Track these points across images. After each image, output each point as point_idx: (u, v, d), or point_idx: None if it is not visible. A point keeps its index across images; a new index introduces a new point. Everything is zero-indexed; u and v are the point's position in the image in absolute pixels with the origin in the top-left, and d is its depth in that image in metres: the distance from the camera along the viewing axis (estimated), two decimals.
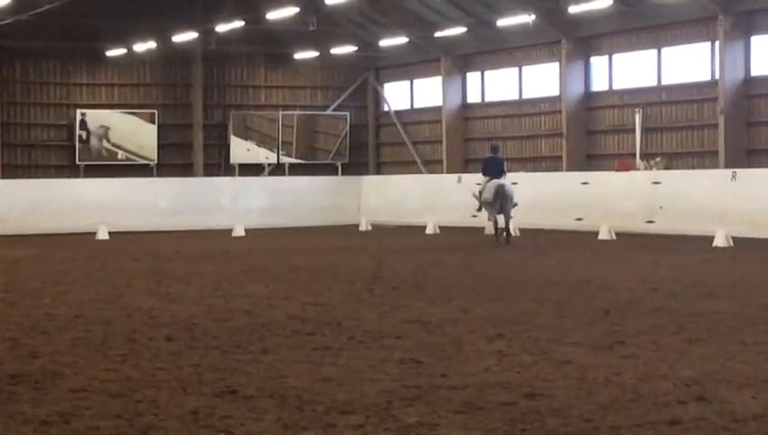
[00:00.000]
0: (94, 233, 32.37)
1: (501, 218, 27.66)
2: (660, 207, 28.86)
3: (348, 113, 48.81)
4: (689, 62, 36.51)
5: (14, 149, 44.26)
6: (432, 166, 45.86)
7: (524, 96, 42.70)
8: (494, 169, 28.14)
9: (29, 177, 42.27)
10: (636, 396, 8.34)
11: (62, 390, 8.83)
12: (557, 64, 40.40)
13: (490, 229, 29.14)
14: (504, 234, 27.44)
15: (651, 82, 37.70)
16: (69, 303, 15.12)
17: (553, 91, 40.88)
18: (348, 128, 48.51)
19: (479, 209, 28.35)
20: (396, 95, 49.08)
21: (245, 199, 36.92)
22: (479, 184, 28.36)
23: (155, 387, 8.89)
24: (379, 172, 48.05)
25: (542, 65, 41.59)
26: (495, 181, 27.61)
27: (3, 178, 40.98)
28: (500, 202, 27.36)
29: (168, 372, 9.53)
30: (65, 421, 7.71)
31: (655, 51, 37.42)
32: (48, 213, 34.98)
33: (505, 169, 28.72)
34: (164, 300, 15.33)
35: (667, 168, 34.99)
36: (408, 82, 48.40)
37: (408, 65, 47.29)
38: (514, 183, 29.09)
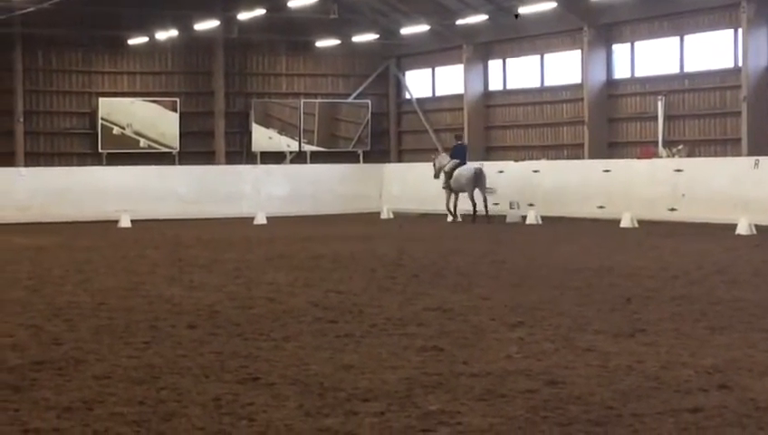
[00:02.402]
0: (116, 221, 32.48)
1: (479, 199, 31.49)
2: (682, 195, 28.78)
3: (369, 101, 48.76)
4: (712, 49, 36.33)
5: (37, 138, 44.37)
6: None
7: (546, 84, 42.57)
8: (462, 154, 32.97)
9: (52, 165, 42.40)
10: (657, 384, 8.34)
11: (85, 376, 8.88)
12: (579, 52, 40.27)
13: (511, 217, 29.26)
14: (485, 213, 31.16)
15: (674, 69, 37.54)
16: (92, 290, 15.17)
17: (575, 78, 40.75)
18: (369, 116, 48.47)
19: (436, 177, 32.86)
20: (417, 83, 49.00)
21: (267, 187, 36.97)
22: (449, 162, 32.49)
23: (177, 374, 8.92)
24: (400, 160, 47.99)
25: (564, 53, 41.46)
26: (471, 166, 32.16)
27: (26, 166, 41.10)
28: (479, 184, 31.47)
29: (191, 360, 9.56)
30: (88, 408, 7.75)
31: (677, 38, 37.24)
32: (70, 201, 35.10)
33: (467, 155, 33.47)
34: (186, 287, 15.37)
35: (689, 155, 34.86)
36: (429, 70, 48.31)
37: (430, 53, 47.20)
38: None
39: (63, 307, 13.26)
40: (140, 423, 7.29)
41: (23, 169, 39.09)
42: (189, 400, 7.97)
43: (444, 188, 32.78)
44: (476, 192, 31.72)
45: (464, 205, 32.36)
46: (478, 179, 31.60)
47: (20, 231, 29.52)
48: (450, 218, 32.56)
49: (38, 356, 9.84)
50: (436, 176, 33.15)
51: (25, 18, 41.49)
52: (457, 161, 32.58)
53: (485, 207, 31.54)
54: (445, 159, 33.42)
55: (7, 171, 38.14)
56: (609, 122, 39.77)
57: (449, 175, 32.30)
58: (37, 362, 9.50)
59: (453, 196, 32.63)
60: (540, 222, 30.90)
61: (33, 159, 43.29)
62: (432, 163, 33.95)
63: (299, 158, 46.83)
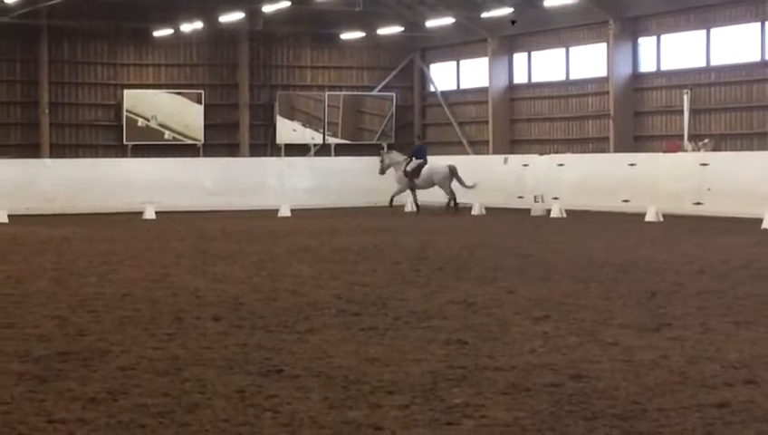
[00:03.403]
0: (141, 212, 32.55)
1: (449, 193, 33.26)
2: (708, 189, 28.67)
3: (394, 94, 48.76)
4: (738, 42, 36.18)
5: (63, 129, 44.54)
6: (478, 146, 45.76)
7: (571, 77, 42.49)
8: (423, 154, 34.68)
9: (77, 156, 42.55)
10: (683, 378, 8.30)
11: (109, 367, 8.89)
12: (604, 45, 40.17)
13: (536, 210, 29.21)
14: (453, 205, 33.03)
15: (700, 62, 37.41)
16: (116, 281, 15.21)
17: (601, 72, 40.66)
18: (394, 108, 48.47)
19: (382, 172, 34.66)
20: (442, 76, 48.97)
21: (291, 180, 36.99)
22: (409, 160, 34.22)
23: (202, 366, 8.93)
24: None
25: (590, 46, 41.37)
26: (442, 163, 34.22)
27: (51, 157, 41.24)
28: (452, 180, 33.23)
29: (215, 351, 9.57)
30: (113, 399, 7.76)
31: (704, 31, 37.12)
32: (95, 192, 35.21)
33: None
34: (210, 279, 15.39)
35: (715, 149, 34.74)
36: (454, 63, 48.27)
37: (455, 46, 47.16)
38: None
39: (88, 298, 13.28)
40: (165, 415, 7.30)
41: (48, 161, 39.26)
42: (213, 391, 7.97)
43: (399, 184, 34.32)
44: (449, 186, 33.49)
45: (390, 198, 34.17)
46: (453, 175, 33.39)
47: (45, 222, 29.63)
48: (409, 208, 34.69)
49: (63, 347, 9.87)
50: (383, 172, 34.71)
51: (52, 10, 41.66)
52: (421, 161, 34.17)
53: (455, 200, 33.24)
54: (398, 157, 34.85)
55: (33, 162, 38.33)
56: (634, 116, 39.67)
57: (415, 174, 33.94)
58: (62, 353, 9.52)
59: (412, 192, 34.40)
60: (564, 216, 30.82)
61: (59, 150, 43.47)
62: (380, 160, 35.15)
63: (323, 150, 46.86)
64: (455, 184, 33.43)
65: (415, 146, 36.48)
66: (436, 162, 34.79)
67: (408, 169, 34.11)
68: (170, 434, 6.85)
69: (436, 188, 34.01)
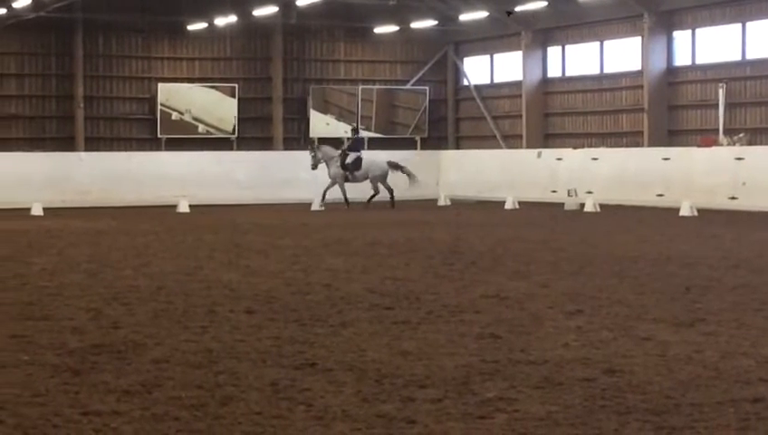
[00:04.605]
0: (175, 206, 32.67)
1: (410, 182, 34.51)
2: (743, 184, 28.54)
3: (427, 88, 48.67)
4: None
5: (97, 122, 44.69)
6: (512, 141, 45.63)
7: (605, 71, 42.30)
8: (359, 147, 35.66)
9: (111, 149, 42.71)
10: (717, 374, 8.26)
11: (144, 360, 8.93)
12: (639, 39, 39.96)
13: (569, 204, 29.14)
14: (390, 199, 34.01)
15: (735, 56, 37.16)
16: (150, 274, 15.27)
17: (635, 65, 40.45)
18: (427, 102, 48.39)
19: (314, 168, 34.70)
20: (476, 70, 48.84)
21: (325, 173, 37.00)
22: (344, 154, 34.82)
23: (235, 359, 8.96)
24: (458, 147, 47.89)
25: (624, 39, 41.16)
26: (381, 159, 34.98)
27: (85, 150, 41.43)
28: (402, 172, 34.32)
29: (248, 344, 9.60)
30: (147, 391, 7.80)
31: (739, 25, 36.86)
32: (129, 186, 35.38)
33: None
34: (243, 273, 15.43)
35: (750, 144, 34.51)
36: (487, 57, 48.12)
37: (488, 39, 47.03)
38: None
39: (122, 291, 13.35)
40: (198, 407, 7.33)
41: (83, 154, 39.46)
42: (247, 384, 7.99)
43: (333, 178, 34.54)
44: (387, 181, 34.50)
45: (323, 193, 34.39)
46: (394, 170, 34.52)
47: (80, 215, 29.79)
48: (316, 207, 34.26)
49: (98, 340, 9.92)
50: (314, 167, 34.83)
51: (86, 4, 41.82)
52: (358, 154, 34.92)
53: (392, 195, 34.31)
54: (331, 151, 35.07)
55: (67, 156, 38.55)
56: (669, 110, 39.45)
57: (356, 167, 34.50)
58: (97, 346, 9.57)
59: (338, 183, 34.70)
60: (598, 210, 30.74)
61: (93, 143, 43.61)
62: (312, 154, 35.13)
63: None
64: (393, 177, 34.23)
65: (353, 139, 36.94)
66: (376, 157, 35.47)
67: (348, 161, 34.52)
68: (204, 427, 6.88)
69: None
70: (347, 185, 34.73)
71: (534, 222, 26.86)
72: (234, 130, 45.01)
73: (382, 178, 34.56)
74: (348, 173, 34.45)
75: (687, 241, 20.54)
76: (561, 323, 10.72)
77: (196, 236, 22.48)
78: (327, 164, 34.63)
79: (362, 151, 35.49)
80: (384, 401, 7.49)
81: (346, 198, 34.43)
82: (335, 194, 34.37)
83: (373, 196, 34.29)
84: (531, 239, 21.19)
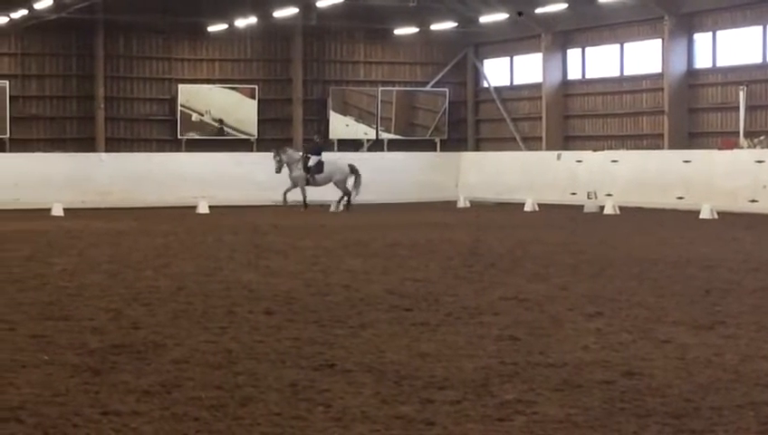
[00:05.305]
0: (195, 206, 32.74)
1: (353, 190, 34.28)
2: (764, 187, 28.45)
3: (447, 89, 48.65)
4: None
5: (118, 123, 44.82)
6: (531, 143, 45.58)
7: (626, 73, 42.22)
8: (320, 152, 35.37)
9: (131, 150, 42.82)
10: (737, 377, 8.24)
11: (163, 360, 8.96)
12: (659, 41, 39.88)
13: (589, 206, 29.07)
14: (347, 201, 34.14)
15: (756, 59, 37.05)
16: (170, 275, 15.31)
17: (655, 68, 40.37)
18: (447, 104, 48.37)
19: (278, 171, 34.77)
20: (495, 71, 48.81)
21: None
22: (306, 158, 34.92)
23: (254, 359, 8.98)
24: (477, 149, 47.86)
25: (644, 42, 41.09)
26: (344, 162, 35.15)
27: (106, 151, 41.54)
28: (354, 178, 34.33)
29: (268, 345, 9.62)
30: (167, 392, 7.82)
31: (760, 27, 36.75)
32: (150, 186, 35.47)
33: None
34: (263, 273, 15.46)
35: None
36: (507, 59, 48.08)
37: (508, 41, 46.99)
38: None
39: (142, 292, 13.39)
40: (218, 408, 7.35)
41: (103, 155, 39.57)
42: (266, 385, 8.01)
43: (294, 181, 34.65)
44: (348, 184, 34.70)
45: (283, 195, 34.42)
46: (354, 174, 34.56)
47: (100, 216, 29.87)
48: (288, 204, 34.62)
49: (118, 340, 9.95)
50: (278, 171, 34.87)
51: (107, 4, 41.94)
52: (319, 158, 34.93)
53: (350, 198, 34.36)
54: (294, 155, 35.22)
55: (88, 157, 38.66)
56: (689, 112, 39.36)
57: (317, 170, 34.67)
58: (117, 346, 9.61)
59: (300, 185, 34.86)
60: (618, 212, 30.68)
61: (114, 144, 43.74)
62: (277, 158, 35.02)
63: (376, 146, 46.86)
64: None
65: (315, 144, 36.87)
66: (338, 160, 35.62)
67: (310, 165, 34.69)
68: (223, 427, 6.90)
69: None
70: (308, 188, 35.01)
71: (554, 224, 26.83)
72: (257, 131, 45.10)
73: (346, 179, 34.75)
74: (309, 176, 34.73)
75: (707, 244, 20.48)
76: (581, 325, 10.71)
77: (216, 236, 22.53)
78: (289, 167, 34.77)
79: (323, 155, 35.54)
80: (403, 402, 7.50)
81: (305, 201, 34.47)
82: (296, 196, 34.66)
83: (342, 197, 34.39)
84: (550, 241, 21.16)
